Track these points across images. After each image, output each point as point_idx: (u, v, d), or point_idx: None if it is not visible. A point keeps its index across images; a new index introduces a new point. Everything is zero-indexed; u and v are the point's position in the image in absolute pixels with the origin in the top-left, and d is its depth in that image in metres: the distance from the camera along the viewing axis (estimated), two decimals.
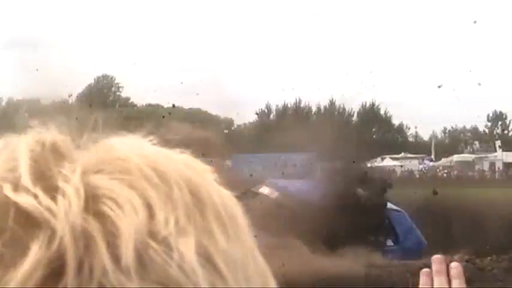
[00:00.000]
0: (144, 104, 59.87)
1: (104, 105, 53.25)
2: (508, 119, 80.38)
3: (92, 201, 0.66)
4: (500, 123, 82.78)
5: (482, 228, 19.79)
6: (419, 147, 69.74)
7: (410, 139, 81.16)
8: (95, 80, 65.92)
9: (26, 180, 0.68)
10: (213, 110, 56.47)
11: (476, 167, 61.85)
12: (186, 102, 54.48)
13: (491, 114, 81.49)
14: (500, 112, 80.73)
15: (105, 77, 69.60)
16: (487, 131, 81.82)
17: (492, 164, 62.62)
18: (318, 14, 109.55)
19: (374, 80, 79.88)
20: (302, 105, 60.26)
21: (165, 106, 52.76)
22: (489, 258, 16.57)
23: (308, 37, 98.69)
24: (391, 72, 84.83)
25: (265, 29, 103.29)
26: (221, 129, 49.66)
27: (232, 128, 60.74)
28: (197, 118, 45.45)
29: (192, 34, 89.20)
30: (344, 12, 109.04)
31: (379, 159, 45.54)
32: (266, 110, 68.56)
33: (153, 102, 51.49)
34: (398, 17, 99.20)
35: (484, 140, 78.44)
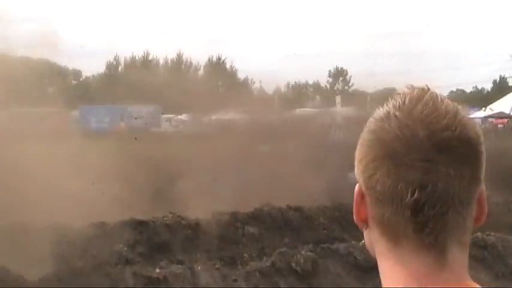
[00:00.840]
0: None
1: None
2: (349, 75, 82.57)
3: None
4: (341, 79, 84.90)
5: None
6: (263, 101, 70.57)
7: (256, 93, 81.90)
8: None
9: None
10: (62, 61, 55.92)
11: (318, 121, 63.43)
12: (35, 53, 53.47)
13: (332, 70, 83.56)
14: (342, 68, 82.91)
15: None
16: (328, 86, 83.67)
17: (332, 118, 64.49)
18: None
19: (220, 35, 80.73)
20: (150, 57, 60.57)
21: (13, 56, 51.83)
22: (317, 206, 16.39)
23: None
24: (238, 28, 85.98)
25: None
26: (69, 80, 49.36)
27: (81, 80, 60.25)
28: (45, 69, 44.98)
29: None
30: None
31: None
32: (114, 62, 67.94)
33: None
34: None
35: (325, 95, 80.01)
